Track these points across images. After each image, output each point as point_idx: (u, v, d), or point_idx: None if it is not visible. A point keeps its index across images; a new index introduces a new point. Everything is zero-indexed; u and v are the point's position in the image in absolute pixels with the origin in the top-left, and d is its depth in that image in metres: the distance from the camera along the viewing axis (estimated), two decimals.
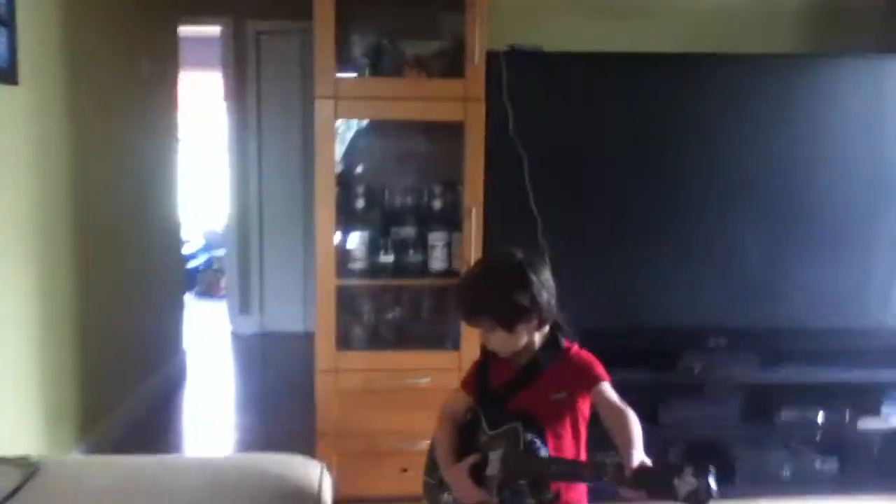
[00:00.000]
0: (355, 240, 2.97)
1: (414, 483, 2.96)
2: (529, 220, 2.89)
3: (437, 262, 2.98)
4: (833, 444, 3.27)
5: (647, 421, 2.97)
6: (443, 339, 3.06)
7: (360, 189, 3.01)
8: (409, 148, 3.19)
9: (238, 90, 5.57)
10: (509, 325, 1.65)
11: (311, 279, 5.44)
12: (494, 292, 1.66)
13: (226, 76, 5.60)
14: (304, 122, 5.35)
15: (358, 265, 2.97)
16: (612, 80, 3.02)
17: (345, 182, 3.05)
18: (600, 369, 1.67)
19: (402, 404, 2.97)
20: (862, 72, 3.14)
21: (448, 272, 3.00)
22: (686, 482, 1.31)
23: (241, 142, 5.63)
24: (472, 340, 2.92)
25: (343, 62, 2.88)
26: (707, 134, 3.07)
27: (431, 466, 1.85)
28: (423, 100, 2.88)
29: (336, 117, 2.84)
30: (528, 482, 1.60)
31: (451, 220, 3.01)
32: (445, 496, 1.78)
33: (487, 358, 1.78)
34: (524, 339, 1.68)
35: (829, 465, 3.21)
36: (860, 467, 3.27)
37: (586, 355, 1.71)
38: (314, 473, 1.91)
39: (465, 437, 1.78)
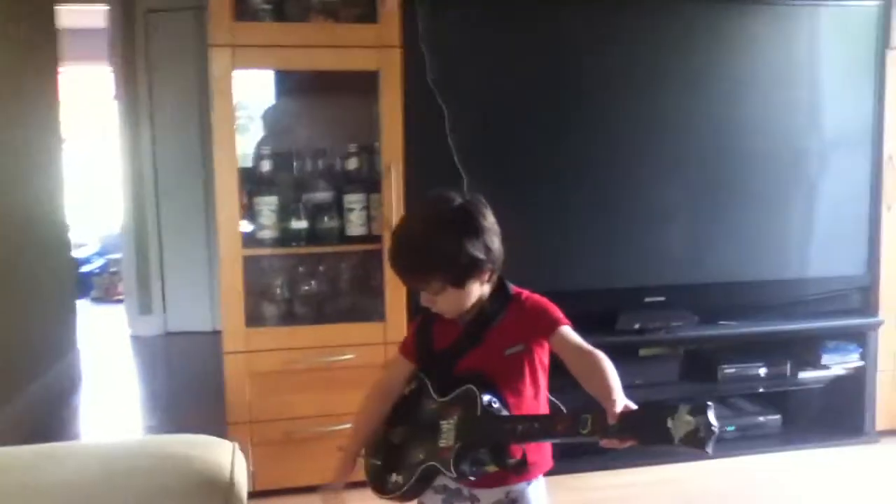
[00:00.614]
0: (263, 206, 2.68)
1: None
2: (454, 177, 2.67)
3: (356, 226, 2.73)
4: (775, 398, 3.21)
5: None
6: (366, 311, 2.81)
7: (266, 150, 2.74)
8: (319, 105, 2.94)
9: (128, 80, 5.13)
10: (462, 281, 1.41)
11: (217, 274, 5.11)
12: (442, 247, 1.40)
13: (114, 64, 5.17)
14: (201, 109, 4.98)
15: (267, 234, 2.69)
16: (537, 24, 2.81)
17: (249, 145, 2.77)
18: (558, 312, 1.45)
19: (325, 384, 2.71)
20: (788, 18, 3.05)
21: (368, 237, 2.76)
22: (682, 422, 1.13)
23: (133, 137, 5.20)
24: (398, 310, 2.70)
25: (242, 13, 2.59)
26: (639, 88, 2.92)
27: (374, 447, 1.58)
28: (332, 47, 2.61)
29: (234, 67, 2.55)
30: (489, 448, 1.38)
31: (369, 182, 2.77)
32: (393, 477, 1.50)
33: (428, 318, 1.53)
34: (476, 294, 1.45)
35: (773, 420, 3.14)
36: (803, 420, 3.23)
37: (539, 299, 1.49)
38: (225, 454, 1.64)
39: (408, 407, 1.52)
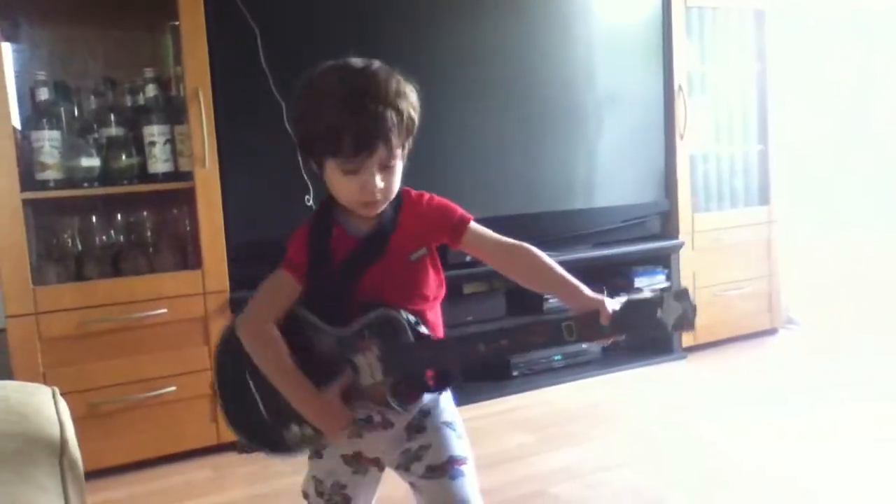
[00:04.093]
0: (43, 142, 2.27)
1: (160, 443, 2.42)
2: (270, 105, 2.43)
3: (160, 163, 2.40)
4: None
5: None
6: (178, 258, 2.49)
7: (42, 76, 2.32)
8: (105, 27, 2.54)
9: None
10: (404, 149, 1.20)
11: None
12: (403, 103, 1.16)
13: None
14: None
15: (51, 174, 2.28)
16: None
17: (19, 77, 2.34)
18: (460, 209, 1.28)
19: (134, 346, 2.37)
20: None
21: (175, 174, 2.44)
22: (671, 309, 1.12)
23: None
24: (216, 255, 2.43)
25: None
26: (462, 19, 2.87)
27: (243, 411, 1.27)
28: None
29: None
30: (407, 380, 1.20)
31: (170, 112, 2.44)
32: (294, 429, 1.23)
33: (321, 227, 1.25)
34: (398, 184, 1.22)
35: (593, 347, 3.23)
36: (620, 343, 3.36)
37: (436, 197, 1.29)
38: (44, 397, 1.34)
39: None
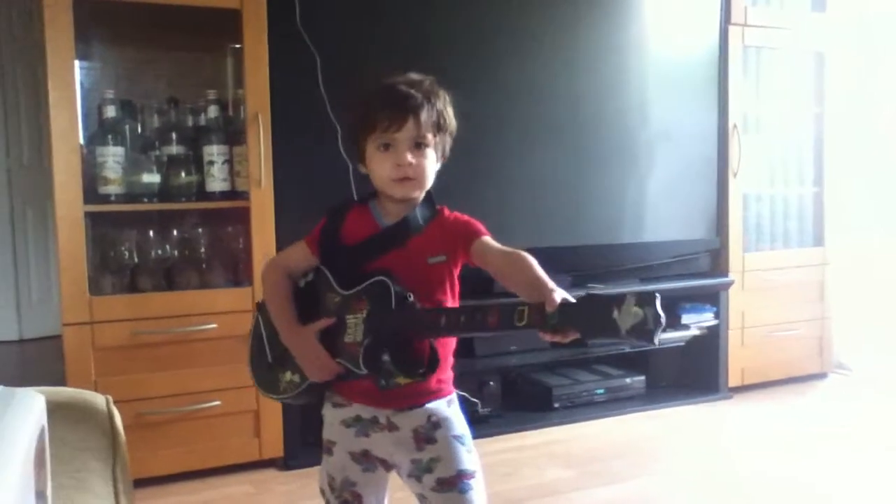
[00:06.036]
0: (107, 157, 2.35)
1: (203, 456, 2.46)
2: (325, 129, 2.48)
3: (217, 181, 2.46)
4: (639, 361, 3.29)
5: (465, 355, 2.77)
6: (230, 275, 2.54)
7: (110, 95, 2.40)
8: (170, 49, 2.64)
9: None
10: (444, 144, 1.36)
11: (23, 278, 4.55)
12: (443, 101, 1.35)
13: None
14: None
15: (113, 188, 2.35)
16: None
17: (88, 94, 2.44)
18: (481, 225, 1.36)
19: (183, 360, 2.42)
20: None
21: (231, 193, 2.49)
22: (629, 313, 1.02)
23: None
24: None
25: None
26: (514, 56, 2.89)
27: (260, 341, 1.43)
28: None
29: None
30: (392, 355, 1.24)
31: (230, 133, 2.51)
32: (288, 375, 1.37)
33: (339, 212, 1.39)
34: (433, 174, 1.35)
35: (638, 381, 3.20)
36: (665, 380, 3.35)
37: (463, 215, 1.39)
38: (99, 404, 1.38)
39: (303, 301, 1.39)
